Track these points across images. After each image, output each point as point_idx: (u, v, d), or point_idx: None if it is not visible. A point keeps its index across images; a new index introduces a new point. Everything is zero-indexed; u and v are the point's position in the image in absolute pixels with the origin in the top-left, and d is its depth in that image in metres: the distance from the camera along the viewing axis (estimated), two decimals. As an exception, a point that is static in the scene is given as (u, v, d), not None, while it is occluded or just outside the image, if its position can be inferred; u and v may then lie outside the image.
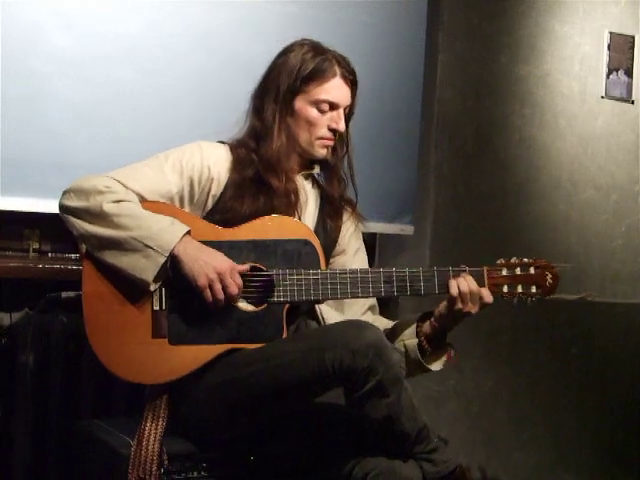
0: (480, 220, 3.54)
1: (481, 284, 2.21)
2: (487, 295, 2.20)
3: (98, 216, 2.10)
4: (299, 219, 2.29)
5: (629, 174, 3.89)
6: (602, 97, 3.82)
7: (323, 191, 2.39)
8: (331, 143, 2.33)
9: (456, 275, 2.20)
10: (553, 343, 3.49)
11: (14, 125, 2.61)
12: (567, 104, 3.75)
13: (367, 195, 3.20)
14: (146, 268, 2.07)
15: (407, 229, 3.37)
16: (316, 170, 2.38)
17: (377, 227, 3.31)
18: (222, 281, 2.10)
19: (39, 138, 2.65)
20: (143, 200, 2.17)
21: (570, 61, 3.74)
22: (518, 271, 2.23)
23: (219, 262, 2.11)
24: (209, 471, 2.15)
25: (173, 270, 2.10)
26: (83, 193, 2.13)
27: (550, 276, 2.24)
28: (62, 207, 2.17)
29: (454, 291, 2.17)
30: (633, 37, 3.85)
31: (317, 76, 2.27)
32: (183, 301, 2.13)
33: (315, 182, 2.41)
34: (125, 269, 2.09)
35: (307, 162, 2.37)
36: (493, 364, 3.37)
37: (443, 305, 2.22)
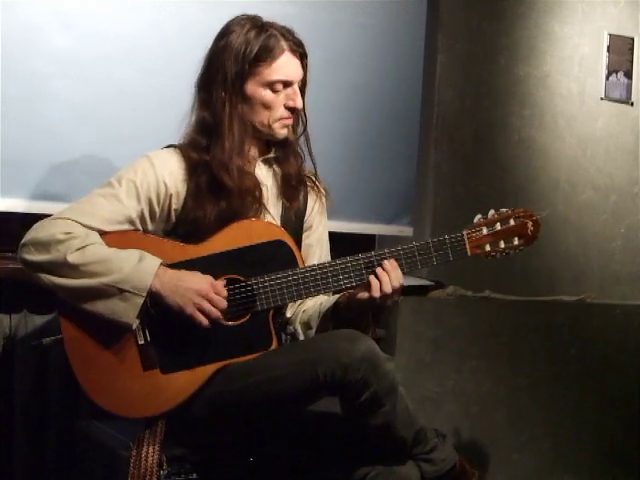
0: (479, 221, 3.53)
1: (462, 250, 2.17)
2: (399, 277, 2.14)
3: (64, 267, 2.03)
4: (265, 213, 2.23)
5: (628, 175, 3.89)
6: (601, 98, 3.82)
7: (281, 171, 2.30)
8: (291, 122, 2.23)
9: (377, 269, 2.13)
10: (552, 344, 3.48)
11: (14, 125, 2.61)
12: (566, 105, 3.75)
13: (366, 196, 3.24)
14: (126, 311, 2.03)
15: (406, 230, 3.37)
16: (273, 154, 2.29)
17: (376, 228, 3.31)
18: (209, 300, 2.06)
19: (39, 138, 2.64)
20: (104, 233, 2.10)
21: (569, 62, 3.75)
22: (498, 226, 2.19)
23: (198, 284, 2.06)
24: (208, 473, 2.15)
25: (154, 306, 2.06)
26: (42, 245, 2.06)
27: (531, 224, 2.19)
28: (24, 262, 2.09)
29: (375, 293, 2.12)
30: (632, 39, 3.86)
31: (265, 56, 2.16)
32: (166, 329, 2.10)
33: (272, 164, 2.31)
34: (105, 315, 2.04)
35: (264, 146, 2.29)
36: (492, 365, 3.37)
37: (359, 297, 2.16)
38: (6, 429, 2.61)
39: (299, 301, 2.34)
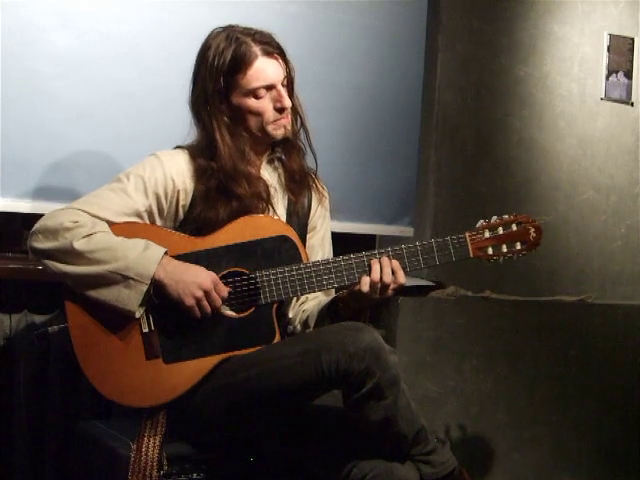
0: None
1: (465, 251, 2.19)
2: (401, 277, 2.16)
3: (71, 255, 2.06)
4: (274, 212, 2.26)
5: (628, 175, 3.89)
6: (601, 99, 3.82)
7: (285, 168, 2.34)
8: (285, 121, 2.25)
9: (372, 260, 2.16)
10: (552, 344, 3.48)
11: (14, 126, 2.61)
12: (566, 106, 3.75)
13: (366, 196, 3.24)
14: (130, 298, 2.05)
15: (406, 231, 3.37)
16: (275, 154, 2.33)
17: (376, 229, 3.31)
18: (208, 297, 2.09)
19: (39, 138, 2.65)
20: (111, 224, 2.12)
21: (569, 63, 3.75)
22: (500, 230, 2.21)
23: (202, 278, 2.09)
24: (209, 472, 2.15)
25: (157, 294, 2.09)
26: (50, 233, 2.09)
27: (533, 230, 2.23)
28: (32, 249, 2.12)
29: (365, 288, 2.14)
30: (632, 39, 3.85)
31: (239, 66, 2.18)
32: (171, 319, 2.12)
33: (276, 163, 2.35)
34: (108, 302, 2.07)
35: (267, 147, 2.32)
36: (492, 365, 3.37)
37: (351, 289, 2.20)
38: (6, 429, 2.61)
39: (300, 301, 2.37)
